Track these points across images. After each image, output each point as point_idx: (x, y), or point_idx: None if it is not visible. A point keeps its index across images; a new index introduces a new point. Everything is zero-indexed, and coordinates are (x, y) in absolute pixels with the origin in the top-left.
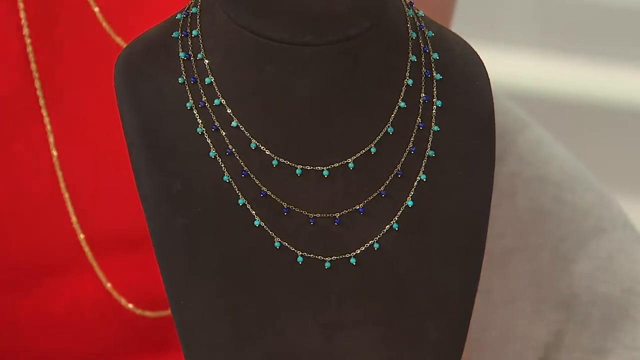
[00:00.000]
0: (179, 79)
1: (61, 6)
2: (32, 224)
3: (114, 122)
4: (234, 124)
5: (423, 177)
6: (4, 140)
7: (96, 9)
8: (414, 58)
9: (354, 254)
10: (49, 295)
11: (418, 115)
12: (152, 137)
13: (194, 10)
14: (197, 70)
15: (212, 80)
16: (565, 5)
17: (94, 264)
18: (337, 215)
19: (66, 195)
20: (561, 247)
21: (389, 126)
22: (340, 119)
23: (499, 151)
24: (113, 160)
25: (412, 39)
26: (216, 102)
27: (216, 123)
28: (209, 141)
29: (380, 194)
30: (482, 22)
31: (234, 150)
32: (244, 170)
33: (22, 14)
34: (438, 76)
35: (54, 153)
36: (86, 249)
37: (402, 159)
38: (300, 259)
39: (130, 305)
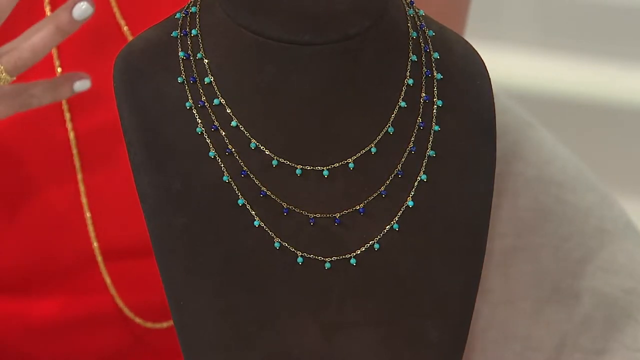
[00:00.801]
0: (179, 79)
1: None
2: (48, 230)
3: None
4: (233, 123)
5: (423, 177)
6: (28, 153)
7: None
8: (414, 57)
9: (354, 254)
10: (58, 301)
11: (418, 114)
12: (151, 137)
13: (193, 9)
14: (196, 70)
15: (212, 79)
16: (567, 4)
17: (104, 271)
18: (337, 215)
19: (84, 201)
20: (563, 248)
21: (389, 126)
22: (341, 118)
23: (499, 151)
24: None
25: (412, 38)
26: (216, 101)
27: (216, 123)
28: (208, 141)
29: (380, 194)
30: (483, 21)
31: (233, 150)
32: (244, 171)
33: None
34: (439, 76)
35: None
36: (99, 258)
37: (403, 159)
38: (300, 259)
39: (132, 314)
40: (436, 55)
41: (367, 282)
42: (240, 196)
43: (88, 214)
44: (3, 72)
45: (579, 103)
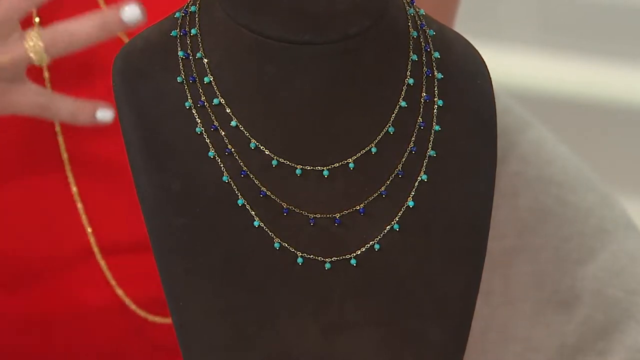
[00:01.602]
0: (178, 78)
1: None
2: (43, 222)
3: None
4: (233, 123)
5: (424, 177)
6: (22, 149)
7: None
8: (414, 57)
9: (354, 254)
10: (55, 293)
11: (419, 114)
12: (150, 136)
13: (192, 8)
14: (196, 70)
15: (211, 79)
16: (568, 4)
17: (102, 263)
18: (338, 215)
19: (74, 190)
20: (563, 248)
21: (389, 126)
22: (341, 118)
23: (500, 151)
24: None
25: (413, 37)
26: (215, 101)
27: (215, 123)
28: (208, 141)
29: (380, 194)
30: (484, 20)
31: (233, 150)
32: (244, 171)
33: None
34: (439, 75)
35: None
36: (95, 249)
37: (403, 159)
38: (300, 259)
39: (134, 306)
40: (437, 54)
41: (367, 283)
42: (240, 196)
43: (79, 205)
44: (43, 50)
45: (580, 103)
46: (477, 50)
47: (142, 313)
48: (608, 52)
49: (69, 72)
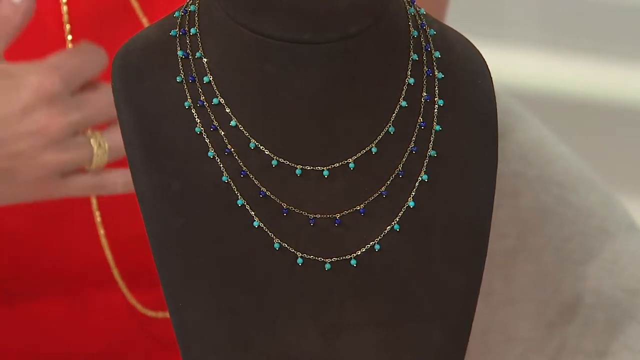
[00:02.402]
0: (177, 78)
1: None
2: (57, 225)
3: None
4: (232, 123)
5: (424, 177)
6: None
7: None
8: (415, 56)
9: (355, 255)
10: (63, 290)
11: (419, 114)
12: (150, 136)
13: (192, 8)
14: (195, 69)
15: (211, 79)
16: (569, 3)
17: (112, 262)
18: (338, 216)
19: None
20: (564, 248)
21: (390, 126)
22: (341, 118)
23: (501, 151)
24: None
25: (413, 37)
26: (215, 101)
27: (215, 122)
28: (207, 141)
29: (381, 194)
30: (484, 19)
31: (232, 150)
32: (243, 171)
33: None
34: (440, 75)
35: None
36: (107, 251)
37: (404, 159)
38: (300, 260)
39: (139, 306)
40: (437, 54)
41: (368, 283)
42: (239, 196)
43: (94, 201)
44: (107, 153)
45: (581, 102)
46: (477, 50)
47: (148, 311)
48: (609, 52)
49: None
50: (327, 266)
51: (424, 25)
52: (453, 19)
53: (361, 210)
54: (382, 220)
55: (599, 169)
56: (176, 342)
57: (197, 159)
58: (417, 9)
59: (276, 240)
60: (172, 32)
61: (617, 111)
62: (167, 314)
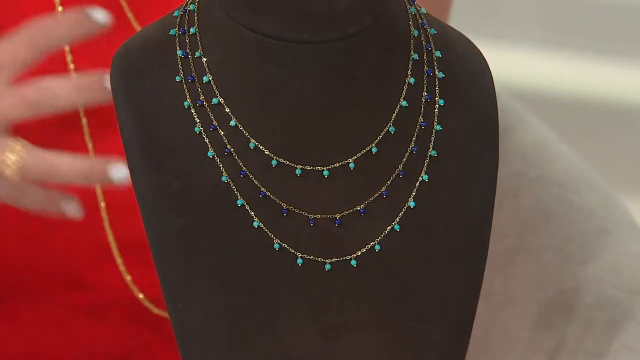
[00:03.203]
0: (177, 78)
1: None
2: (65, 225)
3: None
4: (232, 123)
5: (425, 177)
6: (46, 141)
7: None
8: (415, 56)
9: (355, 255)
10: (72, 289)
11: (420, 114)
12: (149, 136)
13: (191, 7)
14: (195, 69)
15: (211, 78)
16: (569, 2)
17: (119, 261)
18: (338, 216)
19: (98, 191)
20: (565, 249)
21: (390, 125)
22: (341, 118)
23: (502, 151)
24: None
25: (413, 36)
26: (214, 101)
27: (214, 122)
28: (207, 141)
29: (381, 194)
30: (485, 19)
31: (232, 150)
32: (243, 171)
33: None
34: (440, 74)
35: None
36: (113, 246)
37: (404, 159)
38: (300, 260)
39: (147, 303)
40: (438, 53)
41: (368, 284)
42: (239, 197)
43: (102, 204)
44: (18, 170)
45: (582, 102)
46: (478, 49)
47: (157, 310)
48: (610, 51)
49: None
50: (327, 266)
51: (425, 25)
52: (453, 19)
53: (361, 210)
54: (383, 221)
55: (599, 169)
56: None
57: (196, 159)
58: (418, 8)
59: (276, 240)
60: (172, 32)
61: (617, 111)
62: None
